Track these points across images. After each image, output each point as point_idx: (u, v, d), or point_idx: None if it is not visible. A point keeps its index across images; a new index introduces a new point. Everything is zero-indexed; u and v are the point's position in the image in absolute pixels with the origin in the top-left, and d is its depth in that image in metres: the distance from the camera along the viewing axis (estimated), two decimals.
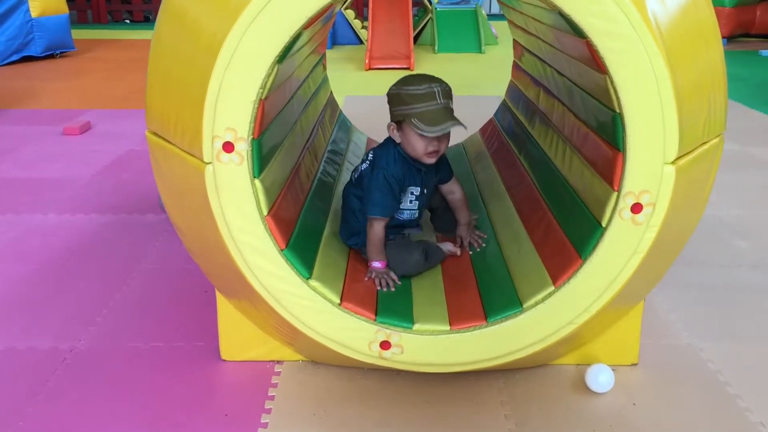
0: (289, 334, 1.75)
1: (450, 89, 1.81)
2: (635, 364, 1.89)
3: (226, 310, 1.88)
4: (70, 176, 3.50)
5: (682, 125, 1.44)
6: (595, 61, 1.47)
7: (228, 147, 1.51)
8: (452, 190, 2.05)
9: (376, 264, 1.84)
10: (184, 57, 1.60)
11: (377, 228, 1.84)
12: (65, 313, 2.18)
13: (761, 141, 4.27)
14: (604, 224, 1.56)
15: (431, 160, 1.84)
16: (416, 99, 1.75)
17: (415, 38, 8.02)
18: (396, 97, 1.81)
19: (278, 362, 1.90)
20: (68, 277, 2.42)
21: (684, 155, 1.51)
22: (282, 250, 1.61)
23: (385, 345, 1.67)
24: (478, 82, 6.34)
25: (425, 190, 1.93)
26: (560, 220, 1.80)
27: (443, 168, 2.02)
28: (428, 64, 7.30)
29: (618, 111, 1.47)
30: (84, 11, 11.21)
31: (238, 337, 1.89)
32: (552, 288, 1.63)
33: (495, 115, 2.97)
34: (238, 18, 1.45)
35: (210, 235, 1.62)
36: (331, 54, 6.00)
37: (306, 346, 1.79)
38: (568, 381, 1.82)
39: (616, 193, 1.53)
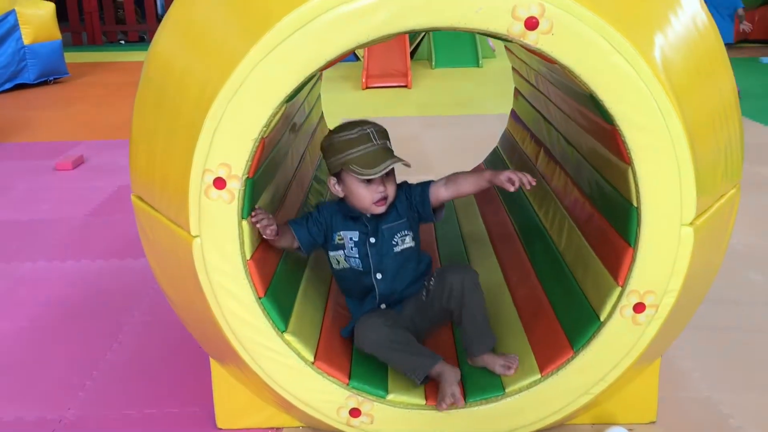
0: (278, 401, 1.66)
1: (385, 130, 1.68)
2: (653, 422, 1.79)
3: (220, 374, 1.78)
4: (62, 217, 3.42)
5: (699, 197, 1.35)
6: (619, 150, 1.39)
7: (219, 183, 1.41)
8: (440, 185, 1.74)
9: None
10: (171, 111, 1.51)
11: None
12: (54, 376, 2.08)
13: None
14: (602, 318, 1.48)
15: (381, 209, 1.67)
16: (351, 144, 1.63)
17: (412, 53, 7.95)
18: (330, 148, 1.67)
19: (277, 429, 1.80)
20: (57, 334, 2.32)
21: (701, 213, 1.42)
22: (260, 298, 1.51)
23: (354, 412, 1.59)
24: (477, 99, 6.27)
25: (372, 239, 1.71)
26: (552, 300, 1.71)
27: (413, 191, 1.74)
28: (425, 80, 7.23)
29: (636, 205, 1.38)
30: (78, 33, 11.17)
31: (234, 403, 1.80)
32: (538, 376, 1.55)
33: (485, 161, 2.86)
34: (247, 54, 1.34)
35: (199, 306, 1.53)
36: (326, 72, 5.92)
37: (302, 413, 1.69)
38: None
39: (619, 288, 1.45)
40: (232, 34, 1.45)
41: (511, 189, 1.63)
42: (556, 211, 1.90)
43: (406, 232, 1.73)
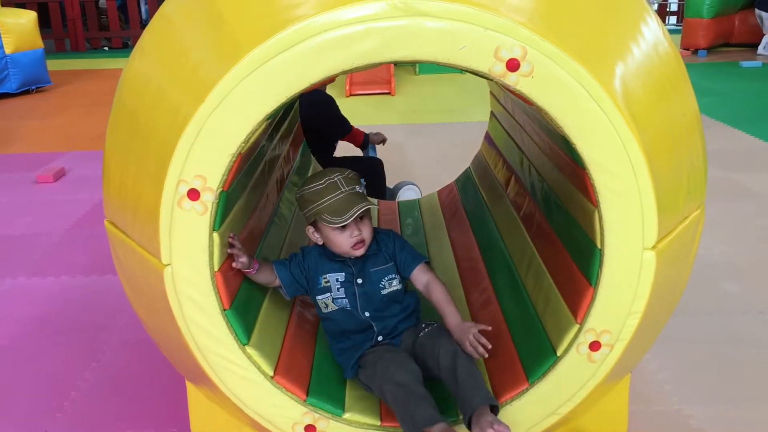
0: (250, 423, 1.66)
1: (354, 175, 1.72)
2: None
3: (196, 396, 1.80)
4: (42, 232, 3.41)
5: (661, 221, 1.38)
6: (587, 191, 1.41)
7: (193, 194, 1.41)
8: (421, 281, 1.76)
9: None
10: (145, 133, 1.51)
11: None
12: (32, 396, 2.09)
13: (746, 165, 4.17)
14: (558, 353, 1.50)
15: (359, 252, 1.71)
16: (320, 194, 1.68)
17: None
18: (301, 200, 1.74)
19: None
20: (36, 353, 2.33)
21: (664, 237, 1.44)
22: (225, 310, 1.52)
23: (309, 429, 1.60)
24: (459, 106, 6.31)
25: (359, 279, 1.74)
26: (512, 329, 1.72)
27: (404, 253, 1.78)
28: (409, 87, 7.26)
29: (600, 248, 1.41)
30: (62, 40, 11.11)
31: (210, 425, 1.81)
32: None
33: (457, 182, 2.86)
34: (222, 79, 1.34)
35: (169, 327, 1.54)
36: None
37: None
38: None
39: (577, 326, 1.47)
40: (206, 59, 1.45)
41: (474, 355, 1.62)
42: (523, 242, 1.92)
43: (393, 275, 1.77)
